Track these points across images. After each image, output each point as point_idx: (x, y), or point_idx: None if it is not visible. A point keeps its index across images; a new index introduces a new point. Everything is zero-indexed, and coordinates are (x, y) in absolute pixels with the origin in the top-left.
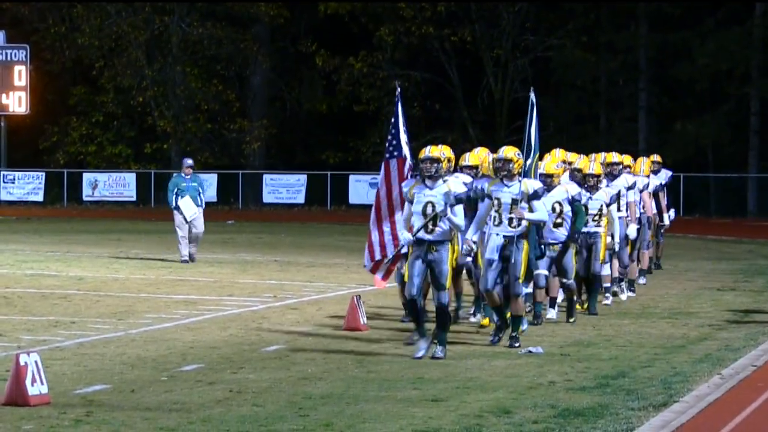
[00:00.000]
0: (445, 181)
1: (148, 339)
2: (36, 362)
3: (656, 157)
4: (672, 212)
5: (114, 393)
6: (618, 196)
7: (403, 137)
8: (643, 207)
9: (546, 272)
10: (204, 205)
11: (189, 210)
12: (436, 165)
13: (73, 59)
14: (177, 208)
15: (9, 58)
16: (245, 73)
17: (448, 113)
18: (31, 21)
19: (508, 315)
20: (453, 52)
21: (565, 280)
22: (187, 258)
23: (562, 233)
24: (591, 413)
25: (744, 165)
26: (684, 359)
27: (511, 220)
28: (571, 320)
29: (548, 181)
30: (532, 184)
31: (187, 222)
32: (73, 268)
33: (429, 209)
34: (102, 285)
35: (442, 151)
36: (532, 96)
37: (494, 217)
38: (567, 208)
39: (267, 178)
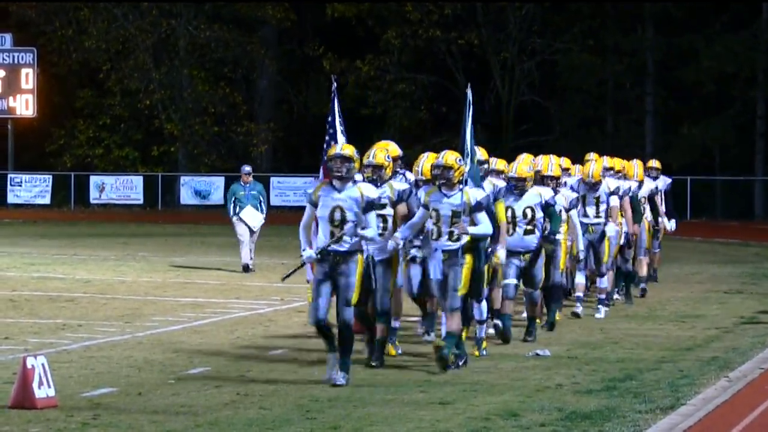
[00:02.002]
0: (355, 183)
1: (155, 342)
2: (43, 365)
3: (655, 163)
4: (673, 222)
5: (121, 396)
6: (585, 200)
7: (341, 138)
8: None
9: (515, 281)
10: (265, 212)
11: (254, 219)
12: (347, 164)
13: (80, 62)
14: (236, 217)
15: (16, 61)
16: (252, 76)
17: (455, 116)
18: (38, 24)
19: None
20: (460, 55)
21: (530, 290)
22: (248, 263)
23: (533, 241)
24: (598, 416)
25: (750, 168)
26: (691, 362)
27: (451, 233)
28: (530, 338)
29: (520, 185)
30: (475, 194)
31: (252, 231)
32: (80, 271)
33: (337, 215)
34: (109, 288)
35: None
36: (469, 94)
37: (432, 230)
38: (540, 214)
39: (274, 180)
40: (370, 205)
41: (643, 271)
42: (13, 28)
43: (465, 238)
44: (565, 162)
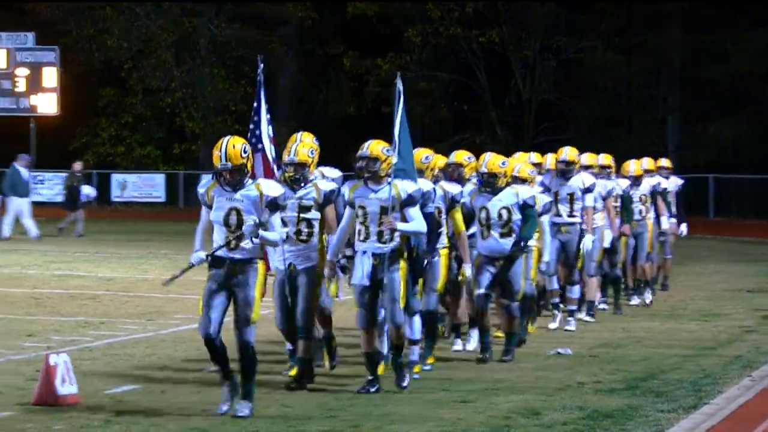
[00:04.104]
0: (253, 181)
1: (178, 339)
2: (65, 362)
3: (664, 162)
4: (684, 226)
5: (143, 393)
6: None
7: (266, 128)
8: (599, 215)
9: (485, 291)
10: None
11: None
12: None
13: (101, 61)
14: None
15: (39, 60)
16: (273, 75)
17: (477, 114)
18: (61, 23)
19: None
20: (481, 53)
21: (506, 302)
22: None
23: (509, 245)
24: (620, 415)
25: None
26: (714, 361)
27: (381, 233)
28: (507, 357)
29: (492, 182)
30: (406, 187)
31: None
32: (102, 268)
33: (233, 218)
34: (131, 285)
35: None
36: (399, 84)
37: (359, 230)
38: (517, 216)
39: None
40: (273, 205)
41: (648, 275)
42: (35, 27)
43: (397, 240)
44: (536, 156)
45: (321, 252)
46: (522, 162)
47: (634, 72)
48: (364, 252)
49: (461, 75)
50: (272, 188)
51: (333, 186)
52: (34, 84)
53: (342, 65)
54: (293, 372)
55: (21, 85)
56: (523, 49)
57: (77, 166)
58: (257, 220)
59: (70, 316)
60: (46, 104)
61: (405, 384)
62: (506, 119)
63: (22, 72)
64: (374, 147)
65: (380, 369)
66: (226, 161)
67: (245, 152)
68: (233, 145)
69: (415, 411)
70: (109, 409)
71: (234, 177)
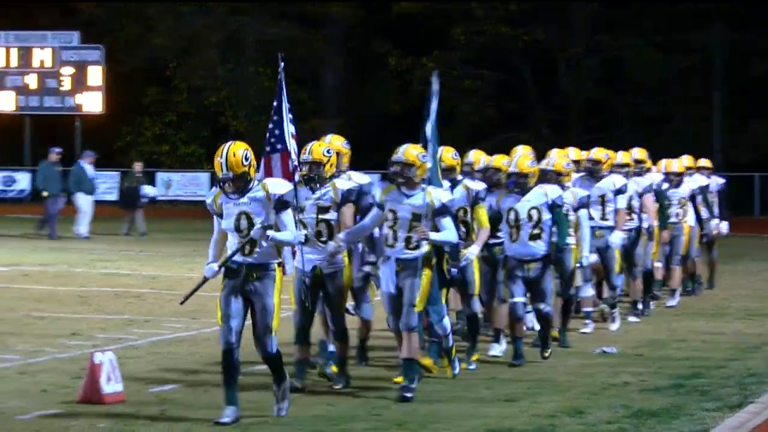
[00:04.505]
0: (259, 182)
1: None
2: (110, 361)
3: (704, 162)
4: (725, 224)
5: (187, 392)
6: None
7: (289, 127)
8: (642, 212)
9: (523, 299)
10: None
11: None
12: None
13: (146, 60)
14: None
15: (84, 59)
16: (318, 73)
17: (522, 113)
18: (106, 22)
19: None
20: (526, 51)
21: (542, 307)
22: None
23: (540, 247)
24: (665, 414)
25: None
26: (759, 360)
27: (408, 239)
28: (546, 354)
29: (522, 182)
30: (440, 195)
31: None
32: (147, 267)
33: (243, 222)
34: (175, 284)
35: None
36: (434, 82)
37: (387, 235)
38: (547, 216)
39: None
40: (281, 204)
41: (676, 281)
42: (80, 26)
43: (425, 247)
44: (575, 153)
45: (348, 255)
46: (560, 157)
47: (677, 70)
48: (389, 258)
49: (506, 73)
50: (279, 186)
51: (352, 185)
52: (80, 83)
53: (386, 64)
54: (334, 368)
55: (66, 84)
56: (568, 48)
57: (137, 166)
58: (264, 223)
59: (116, 315)
60: (92, 103)
61: (410, 395)
62: (551, 118)
63: (68, 71)
64: (409, 152)
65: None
66: (228, 170)
67: (246, 159)
68: (234, 153)
69: (459, 410)
70: (153, 407)
71: (237, 185)
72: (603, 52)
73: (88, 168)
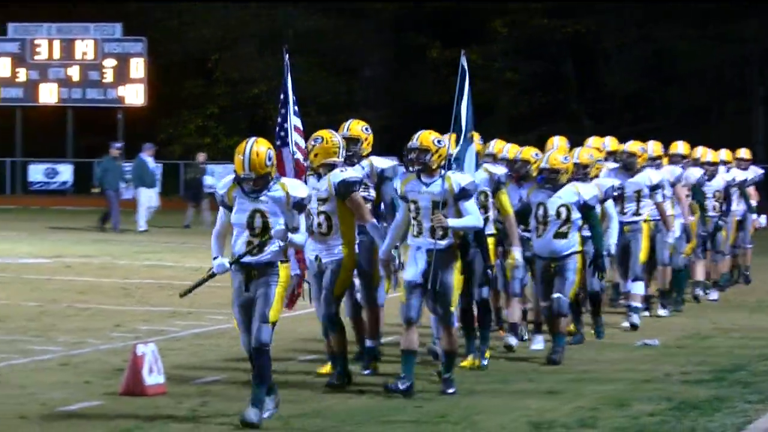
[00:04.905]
0: (278, 180)
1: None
2: (153, 352)
3: (744, 153)
4: (763, 217)
5: (229, 384)
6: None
7: (293, 120)
8: (668, 204)
9: (564, 296)
10: None
11: None
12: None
13: (187, 52)
14: None
15: (126, 51)
16: (359, 66)
17: (562, 105)
18: (147, 14)
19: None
20: (566, 43)
21: (558, 297)
22: None
23: (564, 246)
24: (708, 406)
25: None
26: None
27: (433, 229)
28: (555, 357)
29: (553, 178)
30: (459, 179)
31: None
32: (190, 258)
33: (258, 221)
34: (218, 276)
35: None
36: (463, 61)
37: (413, 225)
38: (576, 215)
39: None
40: (299, 206)
41: (724, 268)
42: (122, 18)
43: (452, 236)
44: (611, 143)
45: (347, 246)
46: (594, 147)
47: (719, 62)
48: (418, 248)
49: (547, 65)
50: (299, 189)
51: (345, 176)
52: (122, 75)
53: (427, 56)
54: (324, 369)
55: (109, 76)
56: (608, 39)
57: (201, 157)
58: (286, 224)
59: (158, 307)
60: (134, 95)
61: (451, 391)
62: (591, 109)
63: (110, 63)
64: (425, 137)
65: (467, 362)
66: (250, 171)
67: (270, 159)
68: (257, 153)
69: (501, 401)
70: (194, 399)
71: (258, 185)
72: (644, 44)
73: (149, 161)
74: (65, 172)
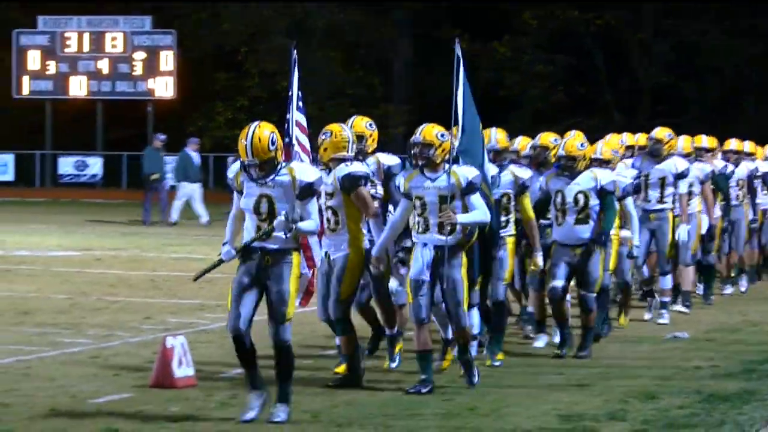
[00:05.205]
0: (286, 164)
1: (294, 322)
2: (182, 345)
3: None
4: None
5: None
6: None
7: (294, 115)
8: (695, 201)
9: (563, 283)
10: None
11: None
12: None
13: (216, 45)
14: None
15: (156, 44)
16: (387, 59)
17: (592, 97)
18: (176, 7)
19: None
20: (597, 35)
21: (585, 293)
22: None
23: (586, 232)
24: (737, 399)
25: None
26: None
27: (441, 225)
28: (583, 353)
29: (570, 165)
30: (465, 173)
31: None
32: (219, 251)
33: (264, 206)
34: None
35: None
36: (457, 49)
37: (417, 222)
38: (594, 201)
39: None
40: (307, 191)
41: (747, 263)
42: (152, 11)
43: (459, 232)
44: (628, 138)
45: (354, 242)
46: (613, 144)
47: (747, 56)
48: (425, 245)
49: (577, 57)
50: (307, 173)
51: (351, 170)
52: (151, 67)
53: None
54: (341, 369)
55: (138, 69)
56: (638, 32)
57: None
58: (286, 215)
59: (187, 299)
60: (163, 88)
61: (476, 380)
62: (621, 102)
63: (140, 56)
64: (428, 131)
65: (447, 361)
66: (253, 157)
67: (273, 144)
68: (259, 138)
69: (531, 394)
70: (224, 392)
71: (263, 170)
72: (674, 37)
73: (194, 155)
74: (95, 165)
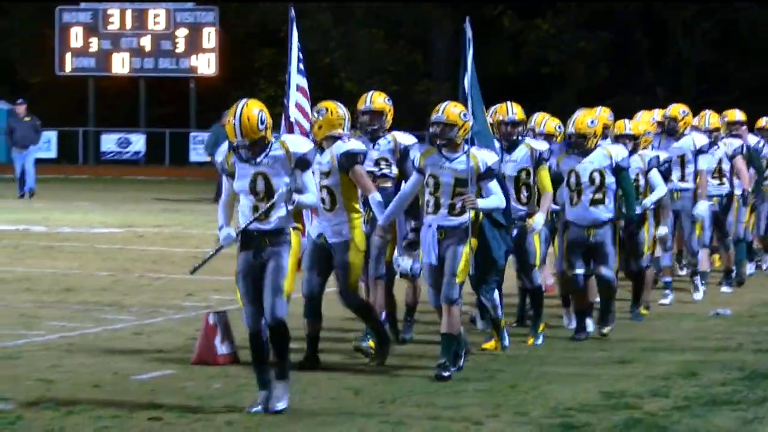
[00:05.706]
0: (277, 138)
1: (335, 300)
2: (225, 322)
3: None
4: None
5: (301, 352)
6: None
7: (297, 79)
8: (733, 176)
9: (583, 271)
10: None
11: None
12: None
13: (258, 22)
14: None
15: (198, 21)
16: (429, 36)
17: (635, 75)
18: None
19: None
20: (639, 13)
21: (603, 271)
22: None
23: (602, 213)
24: None
25: None
26: None
27: (452, 206)
28: (606, 330)
29: (580, 143)
30: (485, 157)
31: None
32: None
33: (260, 185)
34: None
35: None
36: (468, 30)
37: (429, 201)
38: (611, 179)
39: None
40: (303, 162)
41: None
42: None
43: (469, 213)
44: (659, 115)
45: (353, 225)
46: (644, 122)
47: None
48: (429, 226)
49: (620, 35)
50: (300, 144)
51: (349, 147)
52: (194, 45)
53: (500, 26)
54: (371, 343)
55: (181, 46)
56: (682, 9)
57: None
58: (289, 185)
59: (229, 276)
60: (206, 65)
61: (447, 374)
62: (665, 80)
63: (182, 33)
64: (450, 111)
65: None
66: (242, 137)
67: (263, 123)
68: (248, 117)
69: (573, 371)
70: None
71: (254, 150)
72: (717, 14)
73: None
74: (138, 142)
